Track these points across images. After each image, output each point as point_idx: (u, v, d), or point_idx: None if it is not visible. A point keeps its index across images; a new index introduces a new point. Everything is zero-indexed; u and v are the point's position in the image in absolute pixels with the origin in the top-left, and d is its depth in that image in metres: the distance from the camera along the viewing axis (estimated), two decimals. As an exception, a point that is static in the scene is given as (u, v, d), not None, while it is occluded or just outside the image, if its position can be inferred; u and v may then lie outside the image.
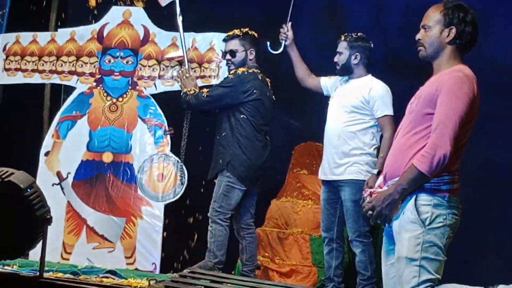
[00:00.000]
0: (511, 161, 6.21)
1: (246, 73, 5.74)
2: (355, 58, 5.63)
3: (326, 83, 5.84)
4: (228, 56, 5.89)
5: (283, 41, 5.86)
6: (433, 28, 3.50)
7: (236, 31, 5.89)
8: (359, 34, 5.70)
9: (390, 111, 5.48)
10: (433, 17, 3.51)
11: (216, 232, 5.61)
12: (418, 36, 3.56)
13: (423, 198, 3.33)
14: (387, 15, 7.01)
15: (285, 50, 5.93)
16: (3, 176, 4.45)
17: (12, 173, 4.49)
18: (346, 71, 5.68)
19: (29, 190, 4.46)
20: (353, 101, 5.54)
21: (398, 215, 3.39)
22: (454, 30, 3.46)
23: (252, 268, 5.80)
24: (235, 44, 5.86)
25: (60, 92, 7.20)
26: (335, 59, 5.69)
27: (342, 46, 5.67)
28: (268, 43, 5.86)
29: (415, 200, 3.33)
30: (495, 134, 6.15)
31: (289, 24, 5.88)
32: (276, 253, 6.29)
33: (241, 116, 5.69)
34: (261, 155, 5.76)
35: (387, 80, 5.65)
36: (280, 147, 6.39)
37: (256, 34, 5.91)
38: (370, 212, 3.41)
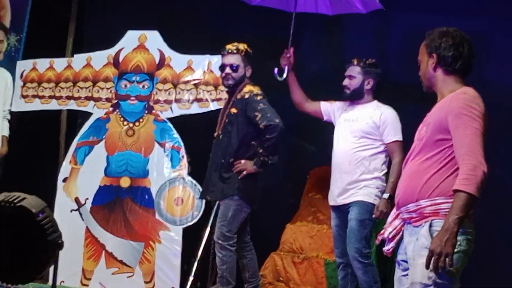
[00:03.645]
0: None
1: (260, 91, 5.65)
2: (368, 83, 5.51)
3: (327, 108, 5.71)
4: (228, 70, 5.66)
5: (286, 67, 5.72)
6: (422, 61, 3.57)
7: (240, 46, 5.70)
8: (371, 60, 5.58)
9: (399, 137, 5.39)
10: (421, 50, 3.59)
11: (227, 258, 5.48)
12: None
13: (438, 224, 3.25)
14: (389, 40, 6.99)
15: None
16: (15, 201, 4.46)
17: (24, 198, 4.50)
18: (357, 96, 5.55)
19: (40, 215, 4.46)
20: (363, 126, 5.43)
21: (412, 241, 3.34)
22: (435, 56, 3.49)
23: (255, 285, 5.69)
24: (236, 59, 5.66)
25: (76, 117, 7.25)
26: (345, 83, 5.55)
27: (355, 71, 5.53)
28: (276, 69, 5.74)
29: (430, 226, 3.28)
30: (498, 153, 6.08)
31: (291, 49, 5.74)
32: (291, 278, 6.26)
33: (246, 139, 5.55)
34: (263, 174, 5.64)
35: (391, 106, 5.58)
36: (295, 171, 6.34)
37: (250, 52, 5.74)
38: (432, 259, 3.17)
